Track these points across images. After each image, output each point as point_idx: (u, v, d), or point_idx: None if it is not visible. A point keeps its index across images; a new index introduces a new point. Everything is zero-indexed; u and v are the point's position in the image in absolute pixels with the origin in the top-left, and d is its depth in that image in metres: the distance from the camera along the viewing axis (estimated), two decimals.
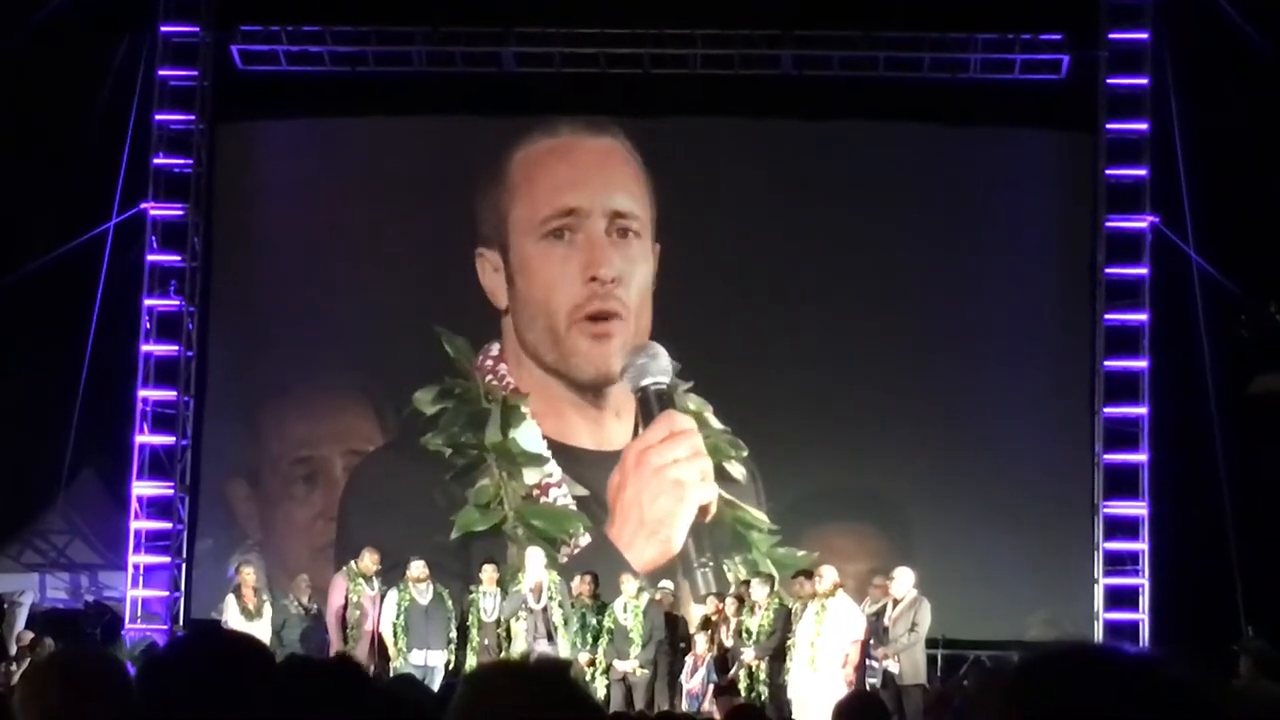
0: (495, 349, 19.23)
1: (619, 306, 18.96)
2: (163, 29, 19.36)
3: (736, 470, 18.88)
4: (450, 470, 18.88)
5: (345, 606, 16.39)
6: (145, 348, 19.24)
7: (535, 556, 16.71)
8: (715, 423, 18.97)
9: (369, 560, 16.63)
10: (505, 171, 19.32)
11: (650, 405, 18.75)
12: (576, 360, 19.01)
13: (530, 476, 18.85)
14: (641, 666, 16.09)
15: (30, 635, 17.34)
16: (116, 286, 18.96)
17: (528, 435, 18.95)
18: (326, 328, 19.46)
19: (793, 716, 15.08)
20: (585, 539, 18.58)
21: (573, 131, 19.54)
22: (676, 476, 18.60)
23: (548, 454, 18.94)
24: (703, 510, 18.56)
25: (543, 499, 18.82)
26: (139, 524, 19.03)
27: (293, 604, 17.04)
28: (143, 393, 19.14)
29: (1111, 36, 18.95)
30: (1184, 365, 18.09)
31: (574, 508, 18.79)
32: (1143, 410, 18.55)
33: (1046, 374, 19.10)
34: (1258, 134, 17.93)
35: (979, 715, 1.81)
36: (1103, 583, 18.54)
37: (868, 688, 14.52)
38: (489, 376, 19.12)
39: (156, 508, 19.17)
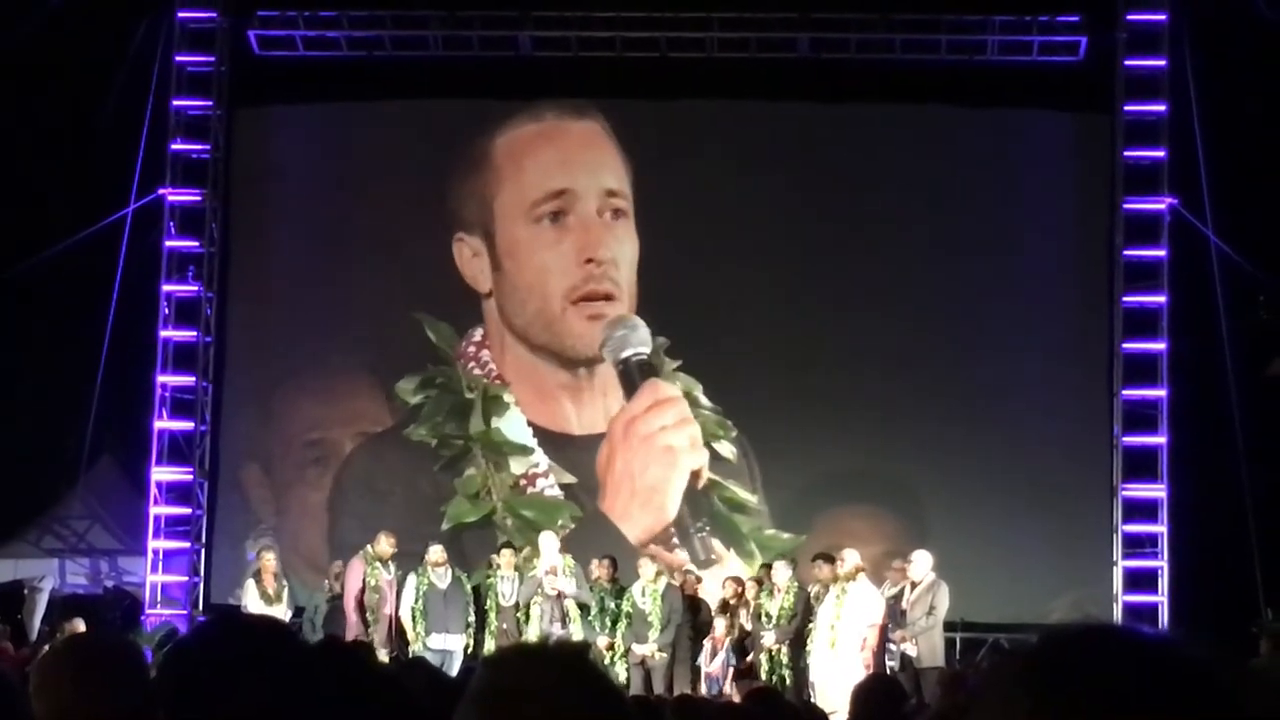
0: (478, 334, 19.24)
1: (613, 288, 18.97)
2: (180, 15, 19.38)
3: (726, 449, 18.86)
4: (437, 461, 18.93)
5: (363, 590, 16.41)
6: (164, 333, 19.27)
7: (549, 540, 16.68)
8: (705, 401, 18.94)
9: (385, 544, 16.62)
10: (488, 156, 19.31)
11: (633, 376, 18.72)
12: (571, 341, 19.00)
13: (517, 467, 18.89)
14: (660, 650, 16.08)
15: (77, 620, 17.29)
16: (134, 272, 19.00)
17: (512, 425, 18.97)
18: (341, 312, 19.50)
19: (813, 699, 15.06)
20: (572, 528, 18.50)
21: (557, 115, 19.52)
22: (666, 443, 18.60)
23: (533, 444, 18.96)
24: (694, 475, 18.55)
25: (529, 489, 18.86)
26: (158, 509, 19.08)
27: (324, 590, 17.03)
28: (161, 378, 19.18)
29: (1129, 18, 18.90)
30: (1203, 347, 18.05)
31: (561, 497, 18.83)
32: (1161, 392, 18.51)
33: (1065, 356, 19.06)
34: (1277, 115, 17.87)
35: (992, 695, 1.79)
36: (1122, 565, 18.51)
37: (886, 671, 14.51)
38: (471, 364, 19.15)
39: (175, 493, 19.22)
